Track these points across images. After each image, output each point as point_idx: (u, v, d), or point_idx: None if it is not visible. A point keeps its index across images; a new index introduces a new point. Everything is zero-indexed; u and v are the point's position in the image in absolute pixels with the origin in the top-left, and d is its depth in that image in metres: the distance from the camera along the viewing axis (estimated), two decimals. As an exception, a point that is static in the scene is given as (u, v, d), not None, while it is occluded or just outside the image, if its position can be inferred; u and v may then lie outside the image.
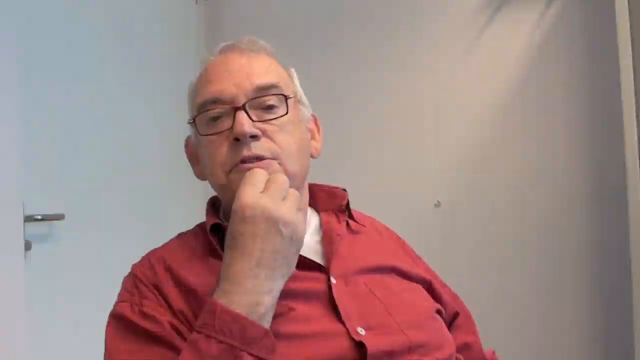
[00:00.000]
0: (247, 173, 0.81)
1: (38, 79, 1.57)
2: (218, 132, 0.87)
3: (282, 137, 0.87)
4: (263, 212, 0.75)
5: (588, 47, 1.94)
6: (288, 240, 0.76)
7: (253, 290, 0.73)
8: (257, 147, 0.85)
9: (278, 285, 0.75)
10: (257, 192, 0.77)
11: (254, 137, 0.85)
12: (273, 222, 0.75)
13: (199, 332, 0.72)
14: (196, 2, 2.29)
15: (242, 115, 0.85)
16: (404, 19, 2.14)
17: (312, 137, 0.97)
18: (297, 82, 0.97)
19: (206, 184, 0.94)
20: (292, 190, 0.81)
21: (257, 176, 0.80)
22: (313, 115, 0.99)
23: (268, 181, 0.79)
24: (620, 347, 1.84)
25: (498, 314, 1.95)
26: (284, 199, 0.78)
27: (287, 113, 0.88)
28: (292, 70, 0.98)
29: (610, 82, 1.80)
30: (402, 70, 2.13)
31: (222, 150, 0.86)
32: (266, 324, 0.74)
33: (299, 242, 0.78)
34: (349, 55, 2.18)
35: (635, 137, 1.66)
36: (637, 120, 1.66)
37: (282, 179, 0.81)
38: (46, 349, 1.51)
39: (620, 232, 1.80)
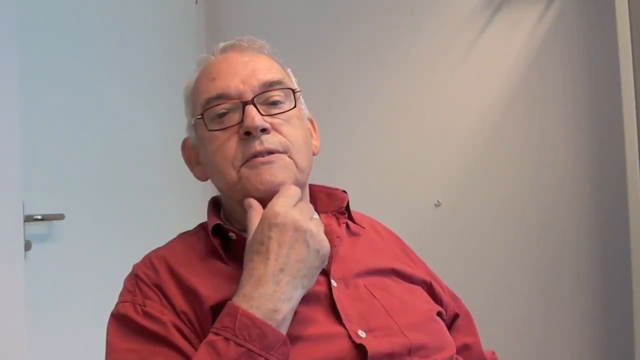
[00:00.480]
0: (283, 187, 0.83)
1: (38, 79, 1.57)
2: (225, 128, 0.87)
3: (290, 131, 0.88)
4: (293, 221, 0.78)
5: (588, 47, 1.93)
6: (314, 252, 0.78)
7: (274, 296, 0.74)
8: (269, 141, 0.85)
9: (298, 294, 0.77)
10: (289, 204, 0.80)
11: (264, 130, 0.85)
12: (302, 232, 0.78)
13: (217, 334, 0.73)
14: (196, 2, 2.29)
15: (252, 109, 0.85)
16: (403, 19, 2.13)
17: (310, 136, 0.98)
18: (294, 81, 0.98)
19: (206, 184, 0.94)
20: (317, 218, 0.86)
21: (291, 191, 0.83)
22: (309, 115, 1.00)
23: (298, 201, 0.83)
24: (620, 347, 1.84)
25: (498, 314, 1.95)
26: (311, 219, 0.82)
27: (294, 107, 0.90)
28: (289, 70, 0.98)
29: (610, 82, 1.80)
30: (402, 70, 2.13)
31: (231, 146, 0.86)
32: (284, 331, 0.75)
33: (324, 258, 0.80)
34: (349, 55, 2.18)
35: (635, 137, 1.66)
36: (637, 120, 1.66)
37: (310, 205, 0.85)
38: (46, 349, 1.51)
39: (620, 232, 1.80)
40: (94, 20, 1.80)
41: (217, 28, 2.32)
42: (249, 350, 0.71)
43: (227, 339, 0.71)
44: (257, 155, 0.85)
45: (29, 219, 1.50)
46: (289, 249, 0.76)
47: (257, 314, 0.73)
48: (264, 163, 0.84)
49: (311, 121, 0.99)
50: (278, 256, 0.76)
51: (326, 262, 0.81)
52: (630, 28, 1.66)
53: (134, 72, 1.92)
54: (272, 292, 0.74)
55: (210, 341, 0.73)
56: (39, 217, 1.53)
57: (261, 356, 0.71)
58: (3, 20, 1.42)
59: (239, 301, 0.74)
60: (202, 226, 0.94)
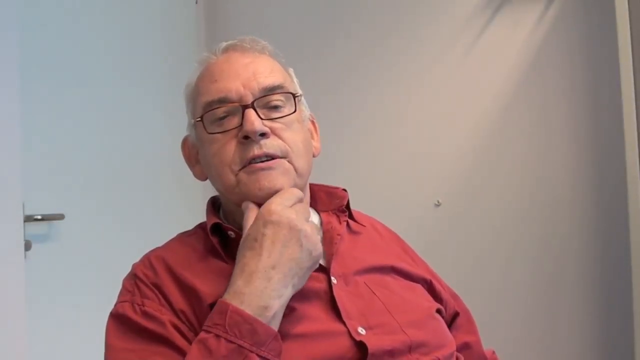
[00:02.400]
0: (283, 190, 0.83)
1: (38, 78, 1.57)
2: (225, 131, 0.87)
3: (290, 135, 0.88)
4: (288, 220, 0.78)
5: (588, 47, 1.93)
6: (307, 253, 0.79)
7: (264, 292, 0.74)
8: (267, 145, 0.85)
9: (288, 292, 0.77)
10: (285, 204, 0.81)
11: (263, 135, 0.85)
12: (296, 231, 0.78)
13: (208, 332, 0.73)
14: (196, 2, 2.29)
15: (251, 113, 0.85)
16: (403, 20, 2.13)
17: (311, 137, 0.97)
18: (296, 82, 0.97)
19: (206, 183, 0.94)
20: (312, 222, 0.85)
21: (290, 192, 0.83)
22: (310, 116, 0.99)
23: (297, 203, 0.84)
24: (620, 348, 1.84)
25: (498, 313, 1.95)
26: (307, 221, 0.82)
27: (295, 111, 0.89)
28: (292, 70, 0.98)
29: (610, 82, 1.80)
30: (402, 70, 2.13)
31: (230, 149, 0.86)
32: (275, 327, 0.75)
33: (316, 260, 0.81)
34: (349, 55, 2.18)
35: (636, 137, 1.66)
36: (637, 120, 1.66)
37: (307, 207, 0.88)
38: (46, 349, 1.51)
39: (620, 233, 1.80)
40: (94, 20, 1.80)
41: (217, 28, 2.32)
42: (240, 346, 0.71)
43: (217, 336, 0.72)
44: (255, 159, 0.85)
45: (29, 219, 1.50)
46: (282, 247, 0.77)
47: (248, 310, 0.73)
48: (262, 169, 0.84)
49: (312, 122, 0.99)
50: (271, 253, 0.76)
51: (317, 265, 0.82)
52: (630, 28, 1.66)
53: (134, 72, 1.92)
54: (262, 289, 0.74)
55: (202, 339, 0.73)
56: (39, 217, 1.53)
57: (252, 352, 0.71)
58: (3, 20, 1.43)
59: (230, 298, 0.74)
60: (200, 226, 0.94)
